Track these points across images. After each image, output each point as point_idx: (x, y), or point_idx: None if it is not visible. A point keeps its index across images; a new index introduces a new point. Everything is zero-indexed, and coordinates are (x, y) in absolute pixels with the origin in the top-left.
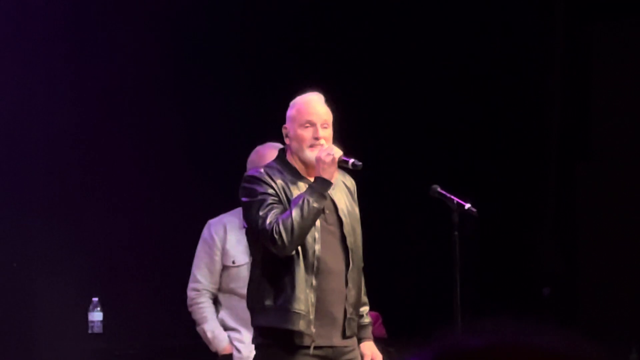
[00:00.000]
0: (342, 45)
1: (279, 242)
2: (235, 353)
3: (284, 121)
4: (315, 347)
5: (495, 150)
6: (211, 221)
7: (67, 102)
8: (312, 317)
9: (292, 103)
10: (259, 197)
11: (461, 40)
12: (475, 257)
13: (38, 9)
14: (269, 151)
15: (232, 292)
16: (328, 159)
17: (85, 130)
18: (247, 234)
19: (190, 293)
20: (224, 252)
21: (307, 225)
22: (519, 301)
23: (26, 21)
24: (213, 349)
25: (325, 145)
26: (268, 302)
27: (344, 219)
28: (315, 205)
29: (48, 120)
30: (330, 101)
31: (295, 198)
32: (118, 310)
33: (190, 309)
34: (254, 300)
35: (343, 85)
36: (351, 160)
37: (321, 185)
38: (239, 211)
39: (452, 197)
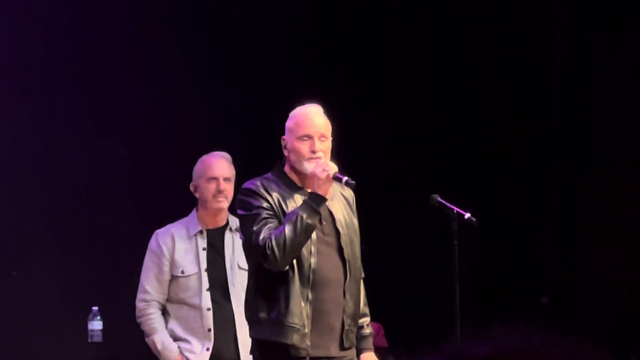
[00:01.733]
0: (341, 54)
1: (271, 258)
2: None
3: (278, 131)
4: (311, 359)
5: (496, 159)
6: (158, 231)
7: (66, 108)
8: (307, 330)
9: (291, 114)
10: (254, 211)
11: (462, 49)
12: (475, 266)
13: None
14: (215, 160)
15: (181, 302)
16: (323, 175)
17: (85, 140)
18: (242, 245)
19: (138, 304)
20: (173, 262)
21: (299, 241)
22: (519, 310)
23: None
24: None
25: (322, 160)
26: (262, 315)
27: (341, 230)
28: (309, 221)
29: (47, 124)
30: (329, 110)
31: (289, 214)
32: (118, 319)
33: (138, 320)
34: (249, 312)
35: (342, 95)
36: (345, 179)
37: (315, 201)
38: (185, 221)
39: (452, 206)
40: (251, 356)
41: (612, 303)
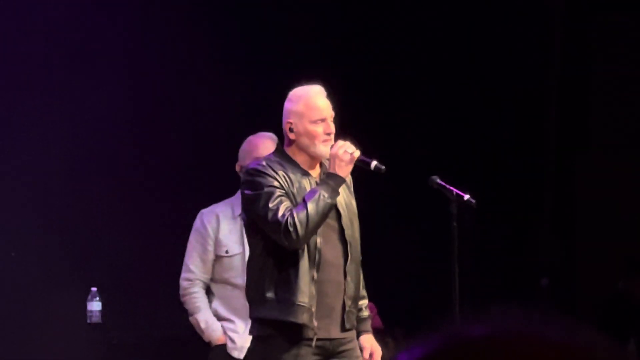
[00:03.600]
0: (340, 35)
1: (294, 235)
2: (229, 343)
3: (278, 112)
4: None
5: (494, 140)
6: (203, 211)
7: (63, 92)
8: (314, 309)
9: (294, 97)
10: (266, 189)
11: (460, 30)
12: (473, 248)
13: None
14: (262, 141)
15: (225, 282)
16: (346, 157)
17: (82, 121)
18: (247, 226)
19: (183, 283)
20: (217, 242)
21: (321, 220)
22: (517, 292)
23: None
24: (206, 339)
25: (340, 142)
26: (269, 295)
27: (342, 212)
28: (329, 201)
29: (44, 111)
30: (328, 92)
31: (310, 192)
32: (117, 300)
33: (182, 299)
34: (253, 292)
35: (340, 76)
36: (373, 163)
37: (335, 182)
38: (231, 201)
39: (451, 188)
40: (250, 335)
41: (610, 284)
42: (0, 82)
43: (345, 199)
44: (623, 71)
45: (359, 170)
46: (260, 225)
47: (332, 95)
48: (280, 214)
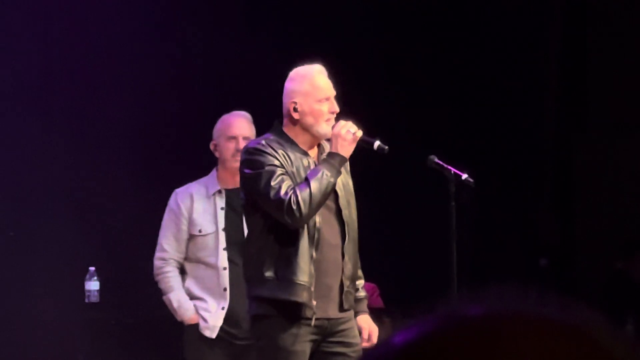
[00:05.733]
0: (339, 14)
1: (297, 213)
2: (201, 322)
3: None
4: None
5: (493, 121)
6: (177, 190)
7: (54, 80)
8: (313, 289)
9: (297, 76)
10: (267, 167)
11: (460, 12)
12: (472, 227)
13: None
14: (236, 119)
15: (199, 261)
16: (348, 137)
17: (76, 105)
18: (246, 205)
19: (156, 262)
20: (191, 221)
21: (323, 198)
22: (515, 272)
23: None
24: (179, 319)
25: (342, 122)
26: (269, 274)
27: (339, 192)
28: (332, 180)
29: (41, 94)
30: (327, 69)
31: (313, 171)
32: (115, 279)
33: (156, 279)
34: (252, 271)
35: (340, 54)
36: (376, 143)
37: (338, 161)
38: (205, 180)
39: (449, 167)
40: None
41: (609, 264)
42: None
43: (343, 179)
44: (621, 54)
45: (357, 149)
46: (261, 204)
47: (330, 75)
48: (283, 191)
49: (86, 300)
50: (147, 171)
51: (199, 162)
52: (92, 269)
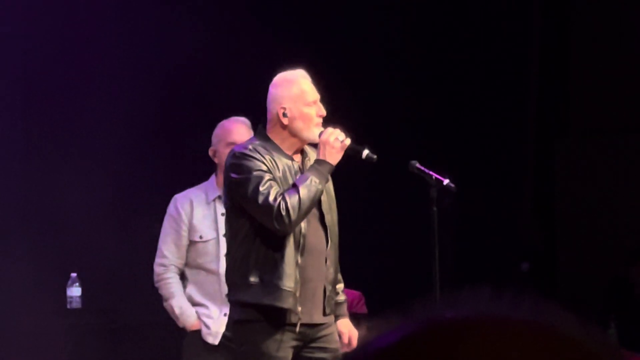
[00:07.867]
0: (320, 19)
1: (286, 220)
2: (203, 329)
3: (252, 97)
4: (301, 325)
5: (474, 126)
6: (177, 196)
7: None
8: (298, 294)
9: (284, 82)
10: (255, 173)
11: (441, 15)
12: (454, 232)
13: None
14: (235, 125)
15: (199, 267)
16: (337, 145)
17: (61, 105)
18: (230, 209)
19: (157, 268)
20: (191, 227)
21: (311, 205)
22: (497, 276)
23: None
24: (181, 325)
25: (330, 129)
26: (253, 279)
27: (322, 197)
28: (320, 187)
29: (23, 94)
30: (310, 75)
31: (301, 177)
32: (96, 285)
33: (157, 285)
34: (236, 276)
35: (322, 61)
36: (365, 152)
37: (325, 169)
38: (204, 186)
39: (431, 172)
40: (227, 320)
41: (591, 269)
42: None
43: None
44: (603, 57)
45: (343, 157)
46: (248, 209)
47: (313, 80)
48: (271, 197)
49: (68, 306)
50: (129, 177)
51: (195, 168)
52: (73, 275)
